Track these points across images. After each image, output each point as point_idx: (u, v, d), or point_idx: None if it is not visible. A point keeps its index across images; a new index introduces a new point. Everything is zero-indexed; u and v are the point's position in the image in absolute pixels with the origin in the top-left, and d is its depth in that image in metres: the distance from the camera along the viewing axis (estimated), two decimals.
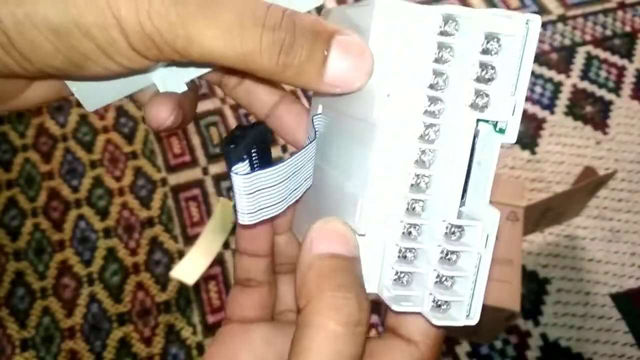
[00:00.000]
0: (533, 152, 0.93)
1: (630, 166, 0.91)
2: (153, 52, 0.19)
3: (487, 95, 0.20)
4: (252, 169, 0.22)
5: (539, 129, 0.95)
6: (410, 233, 0.22)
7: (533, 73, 1.01)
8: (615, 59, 1.03)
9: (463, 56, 0.20)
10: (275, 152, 0.92)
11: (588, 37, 1.06)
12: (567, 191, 0.77)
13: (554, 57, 1.03)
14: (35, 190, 0.93)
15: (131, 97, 0.25)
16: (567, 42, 1.05)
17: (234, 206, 0.22)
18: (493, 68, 0.20)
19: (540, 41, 1.05)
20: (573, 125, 0.96)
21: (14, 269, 0.86)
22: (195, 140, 0.97)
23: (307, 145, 0.23)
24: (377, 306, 0.72)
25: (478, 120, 0.21)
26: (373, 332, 0.73)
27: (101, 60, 0.19)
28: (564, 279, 0.82)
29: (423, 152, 0.21)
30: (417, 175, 0.21)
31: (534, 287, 0.81)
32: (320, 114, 0.24)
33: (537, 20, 0.20)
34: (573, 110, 0.97)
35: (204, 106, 0.98)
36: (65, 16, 0.18)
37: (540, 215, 0.79)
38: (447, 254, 0.21)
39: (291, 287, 0.28)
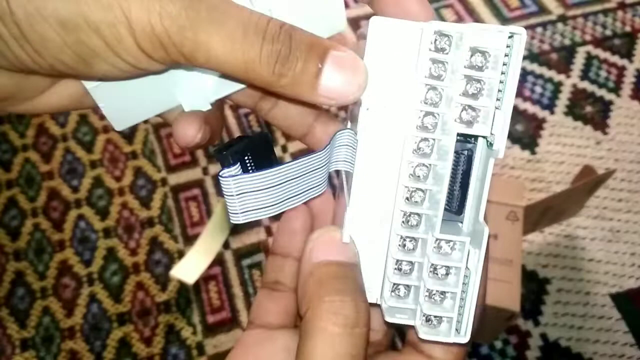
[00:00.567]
0: (533, 152, 0.93)
1: (630, 166, 0.91)
2: (159, 54, 0.19)
3: (473, 110, 0.20)
4: (245, 173, 0.23)
5: (539, 129, 0.95)
6: (404, 245, 0.22)
7: (533, 73, 1.01)
8: (615, 59, 1.03)
9: (454, 71, 0.20)
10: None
11: (588, 37, 1.06)
12: (566, 190, 0.77)
13: (554, 57, 1.03)
14: (35, 190, 0.93)
15: (159, 117, 0.26)
16: (567, 42, 1.05)
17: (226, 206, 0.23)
18: (479, 82, 0.20)
19: (540, 41, 1.05)
20: (573, 125, 0.96)
21: (14, 269, 0.86)
22: None
23: (307, 156, 0.24)
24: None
25: (466, 136, 0.21)
26: None
27: (109, 57, 0.19)
28: (564, 279, 0.82)
29: (417, 165, 0.21)
30: (411, 189, 0.22)
31: (534, 287, 0.81)
32: (348, 129, 0.24)
33: (521, 33, 0.19)
34: (573, 110, 0.98)
35: None
36: (75, 11, 0.18)
37: (540, 215, 0.79)
38: (435, 269, 0.21)
39: None
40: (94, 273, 0.85)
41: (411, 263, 0.22)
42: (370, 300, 0.22)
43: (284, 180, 0.23)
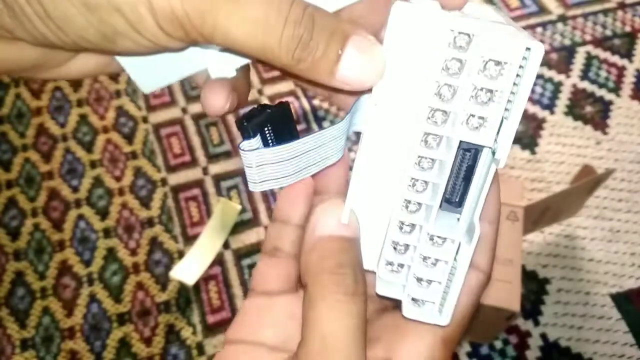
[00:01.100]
0: (533, 152, 0.93)
1: (630, 166, 0.91)
2: (178, 34, 0.20)
3: (481, 117, 0.20)
4: (266, 145, 0.24)
5: (539, 128, 0.96)
6: (401, 228, 0.23)
7: None
8: (615, 59, 1.03)
9: (468, 73, 0.20)
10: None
11: (588, 37, 1.06)
12: (565, 190, 0.77)
13: (554, 57, 1.03)
14: (35, 190, 0.93)
15: (187, 79, 0.26)
16: (567, 42, 1.06)
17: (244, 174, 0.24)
18: (491, 91, 0.20)
19: (540, 41, 1.05)
20: (573, 125, 0.96)
21: (14, 269, 0.86)
22: (195, 140, 0.97)
23: (326, 128, 0.24)
24: None
25: (461, 141, 0.21)
26: None
27: (130, 35, 0.20)
28: (564, 279, 0.82)
29: (422, 157, 0.22)
30: (414, 178, 0.23)
31: (534, 287, 0.81)
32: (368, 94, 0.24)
33: (539, 49, 0.19)
34: (573, 110, 0.98)
35: None
36: None
37: (539, 215, 0.79)
38: (425, 258, 0.23)
39: None
40: (94, 273, 0.85)
41: (406, 244, 0.23)
42: (366, 267, 0.24)
43: (302, 152, 0.24)
